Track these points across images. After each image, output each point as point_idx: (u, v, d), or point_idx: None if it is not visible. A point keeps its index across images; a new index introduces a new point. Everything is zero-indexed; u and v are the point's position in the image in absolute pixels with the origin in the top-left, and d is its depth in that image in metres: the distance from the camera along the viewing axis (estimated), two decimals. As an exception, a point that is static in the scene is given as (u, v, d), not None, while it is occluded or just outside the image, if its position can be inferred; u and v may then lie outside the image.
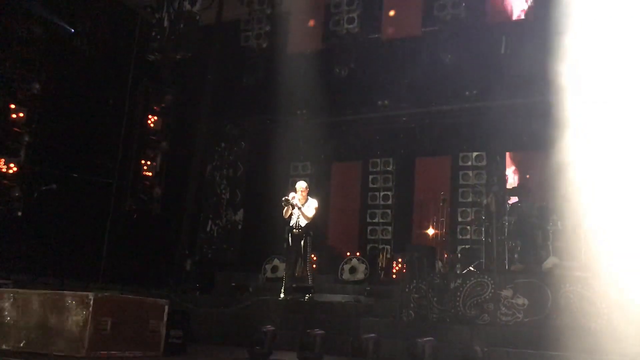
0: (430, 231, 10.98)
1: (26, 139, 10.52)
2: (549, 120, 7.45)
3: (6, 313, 5.42)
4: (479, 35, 10.97)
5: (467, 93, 11.38)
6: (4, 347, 5.31)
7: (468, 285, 7.58)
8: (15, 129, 10.47)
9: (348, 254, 11.20)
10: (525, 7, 10.66)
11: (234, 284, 10.06)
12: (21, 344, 5.24)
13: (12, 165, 10.36)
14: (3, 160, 10.32)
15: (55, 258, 10.20)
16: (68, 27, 11.36)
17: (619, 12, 6.89)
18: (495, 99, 11.00)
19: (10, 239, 10.28)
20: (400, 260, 10.49)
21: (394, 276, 10.40)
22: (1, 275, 8.91)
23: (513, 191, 9.88)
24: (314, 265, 10.02)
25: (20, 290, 5.65)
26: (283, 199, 9.02)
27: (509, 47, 10.67)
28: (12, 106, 10.46)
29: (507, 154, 11.36)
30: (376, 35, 11.85)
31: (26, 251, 10.18)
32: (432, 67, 11.09)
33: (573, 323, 6.61)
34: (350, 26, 11.54)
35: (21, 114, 10.50)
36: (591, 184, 6.83)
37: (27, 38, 10.71)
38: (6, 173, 10.32)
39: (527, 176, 10.71)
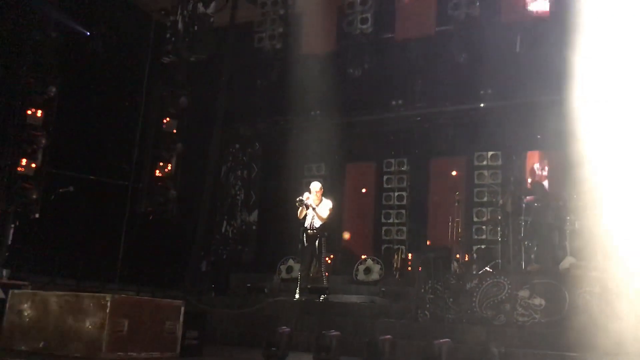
0: (446, 231, 10.91)
1: (43, 141, 10.62)
2: (565, 119, 7.39)
3: (25, 314, 5.48)
4: (493, 34, 10.88)
5: (481, 92, 11.32)
6: (22, 347, 5.37)
7: (484, 285, 7.53)
8: (33, 132, 10.58)
9: (364, 256, 11.17)
10: (541, 5, 10.57)
11: (249, 285, 10.07)
12: (40, 345, 5.29)
13: (30, 167, 10.46)
14: (21, 162, 10.43)
15: (72, 260, 10.30)
16: (83, 31, 11.47)
17: (636, 10, 6.81)
18: (510, 98, 10.94)
19: (27, 240, 10.40)
20: (413, 260, 10.45)
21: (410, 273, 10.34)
22: (19, 277, 9.01)
23: (529, 191, 9.81)
24: (329, 266, 10.00)
25: (38, 292, 5.71)
26: (297, 199, 9.03)
27: (524, 45, 10.58)
28: (30, 109, 10.57)
29: (523, 153, 11.28)
30: (390, 35, 11.81)
31: (43, 253, 10.29)
32: (447, 66, 11.04)
33: (591, 324, 6.55)
34: (364, 26, 11.51)
35: (38, 117, 10.61)
36: (609, 183, 6.76)
37: (43, 42, 10.83)
38: (24, 175, 10.43)
39: (543, 175, 10.64)
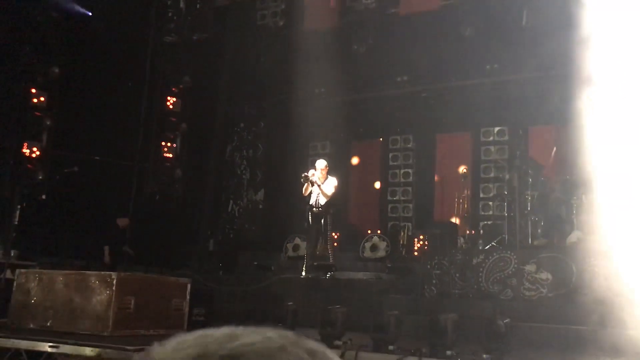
0: (452, 208, 10.88)
1: (47, 122, 10.62)
2: (571, 94, 7.29)
3: (32, 293, 5.52)
4: (499, 7, 10.73)
5: (487, 67, 11.21)
6: (31, 326, 5.41)
7: (491, 260, 7.52)
8: (37, 113, 10.57)
9: (369, 231, 11.16)
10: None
11: (256, 263, 10.12)
12: (47, 323, 5.33)
13: (34, 149, 10.49)
14: (26, 144, 10.45)
15: (80, 240, 10.34)
16: (85, 11, 11.38)
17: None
18: (516, 72, 10.82)
19: (35, 222, 10.44)
20: (422, 237, 10.44)
21: (416, 253, 10.36)
22: (27, 258, 9.06)
23: (536, 165, 9.74)
24: (335, 244, 10.02)
25: (45, 271, 5.75)
26: (302, 175, 9.07)
27: (530, 19, 10.42)
28: (33, 90, 10.55)
29: (530, 127, 11.19)
30: (394, 10, 11.65)
31: (51, 234, 10.33)
32: (452, 41, 10.90)
33: (598, 297, 6.52)
34: (368, 2, 11.35)
35: (42, 98, 10.60)
36: (618, 156, 6.68)
37: (44, 22, 10.76)
38: (29, 157, 10.45)
39: (550, 150, 10.56)
